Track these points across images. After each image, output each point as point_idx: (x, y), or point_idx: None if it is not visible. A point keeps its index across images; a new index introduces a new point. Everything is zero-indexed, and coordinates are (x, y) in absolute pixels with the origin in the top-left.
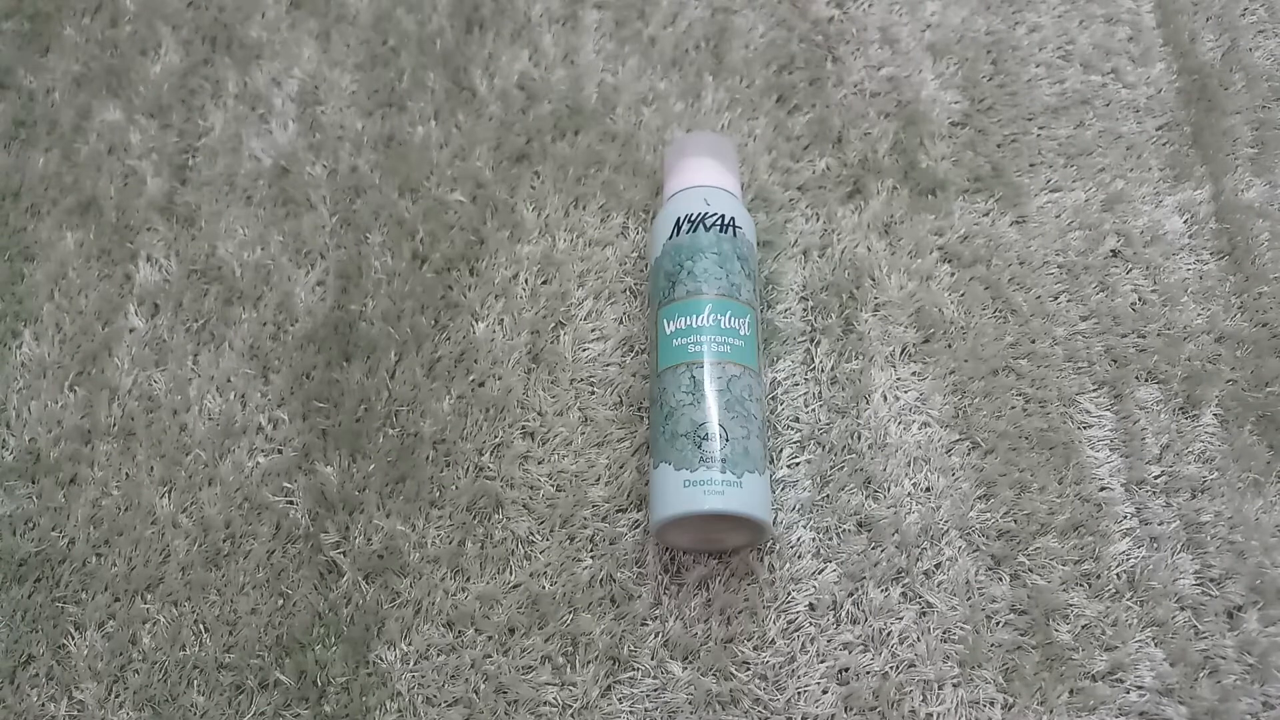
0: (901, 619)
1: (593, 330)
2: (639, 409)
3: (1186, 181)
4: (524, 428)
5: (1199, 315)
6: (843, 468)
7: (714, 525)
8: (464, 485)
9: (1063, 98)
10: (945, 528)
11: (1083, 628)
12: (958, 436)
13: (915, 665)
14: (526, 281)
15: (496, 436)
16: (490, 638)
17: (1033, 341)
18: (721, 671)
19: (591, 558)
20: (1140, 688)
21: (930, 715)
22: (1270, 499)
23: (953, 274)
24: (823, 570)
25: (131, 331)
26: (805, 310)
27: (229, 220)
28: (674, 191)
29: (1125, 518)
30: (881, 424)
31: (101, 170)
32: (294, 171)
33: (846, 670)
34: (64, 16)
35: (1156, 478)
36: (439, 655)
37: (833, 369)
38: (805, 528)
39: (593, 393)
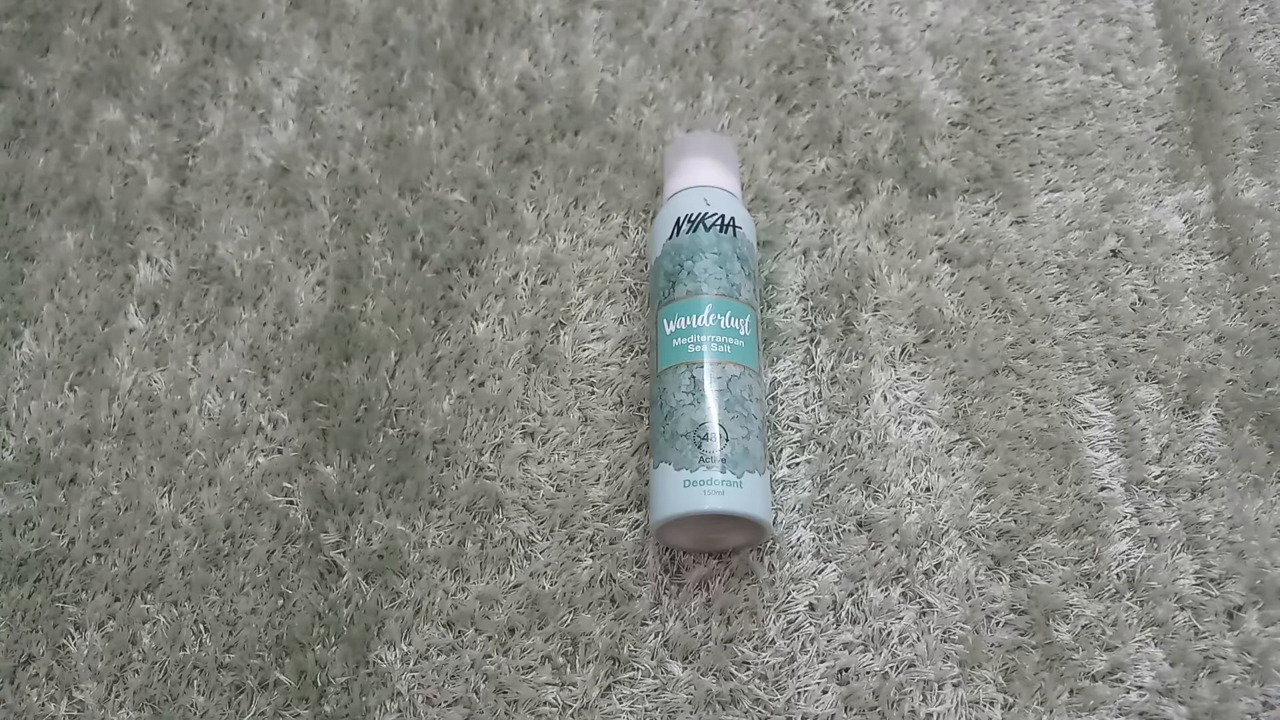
0: (901, 619)
1: (593, 330)
2: (639, 409)
3: (1186, 181)
4: (524, 428)
5: (1199, 315)
6: (843, 468)
7: (714, 525)
8: (464, 485)
9: (1063, 98)
10: (945, 528)
11: (1083, 628)
12: (958, 436)
13: (915, 665)
14: (526, 281)
15: (496, 436)
16: (490, 638)
17: (1033, 341)
18: (721, 671)
19: (591, 558)
20: (1140, 688)
21: (930, 715)
22: (1270, 499)
23: (953, 274)
24: (823, 570)
25: (131, 331)
26: (805, 310)
27: (229, 220)
28: (674, 191)
29: (1125, 518)
30: (881, 424)
31: (101, 170)
32: (294, 171)
33: (846, 670)
34: (64, 16)
35: (1156, 478)
36: (439, 655)
37: (833, 369)
38: (805, 528)
39: (593, 393)
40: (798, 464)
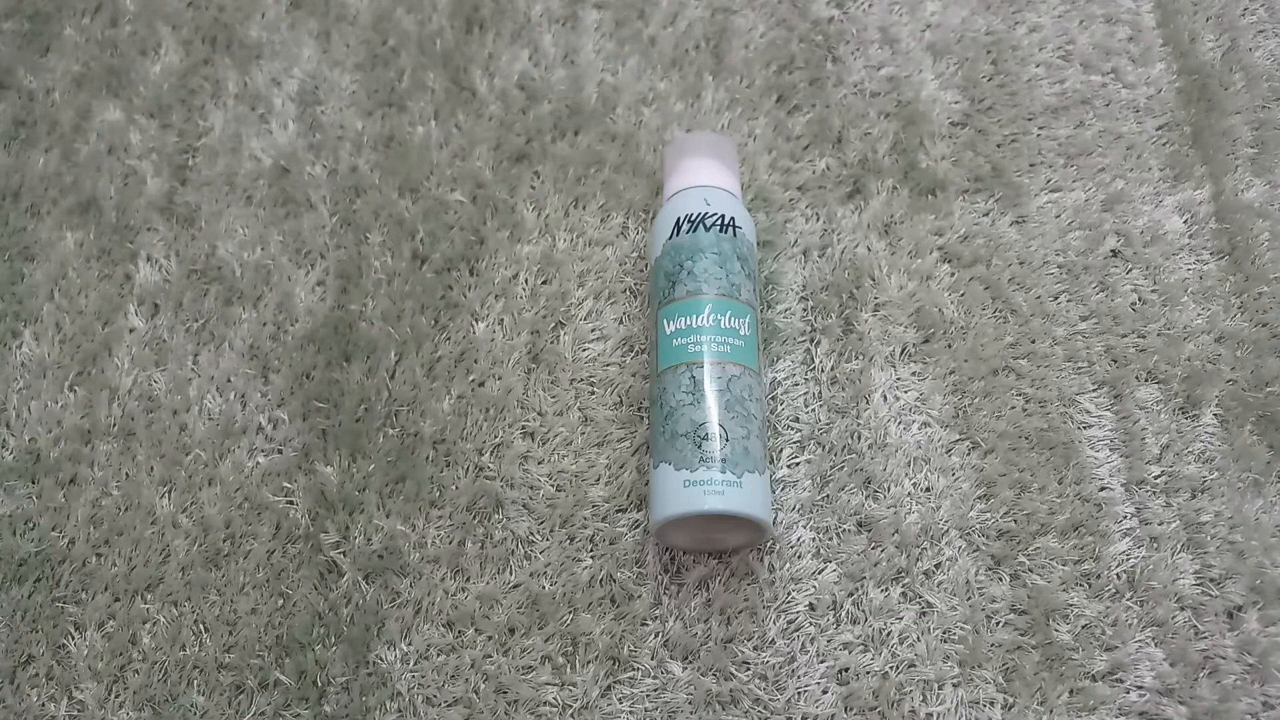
0: (901, 619)
1: (593, 330)
2: (639, 409)
3: (1186, 181)
4: (524, 428)
5: (1199, 315)
6: (843, 468)
7: (714, 525)
8: (464, 485)
9: (1063, 98)
10: (945, 528)
11: (1083, 628)
12: (958, 436)
13: (915, 665)
14: (526, 281)
15: (496, 436)
16: (490, 638)
17: (1033, 341)
18: (721, 671)
19: (591, 558)
20: (1140, 688)
21: (930, 715)
22: (1270, 499)
23: (953, 274)
24: (823, 570)
25: (131, 331)
26: (805, 310)
27: (229, 220)
28: (674, 191)
29: (1125, 518)
30: (881, 424)
31: (101, 170)
32: (294, 171)
33: (846, 670)
34: (64, 16)
35: (1156, 478)
36: (439, 655)
37: (833, 369)
38: (805, 528)
39: (593, 393)
40: (798, 464)
